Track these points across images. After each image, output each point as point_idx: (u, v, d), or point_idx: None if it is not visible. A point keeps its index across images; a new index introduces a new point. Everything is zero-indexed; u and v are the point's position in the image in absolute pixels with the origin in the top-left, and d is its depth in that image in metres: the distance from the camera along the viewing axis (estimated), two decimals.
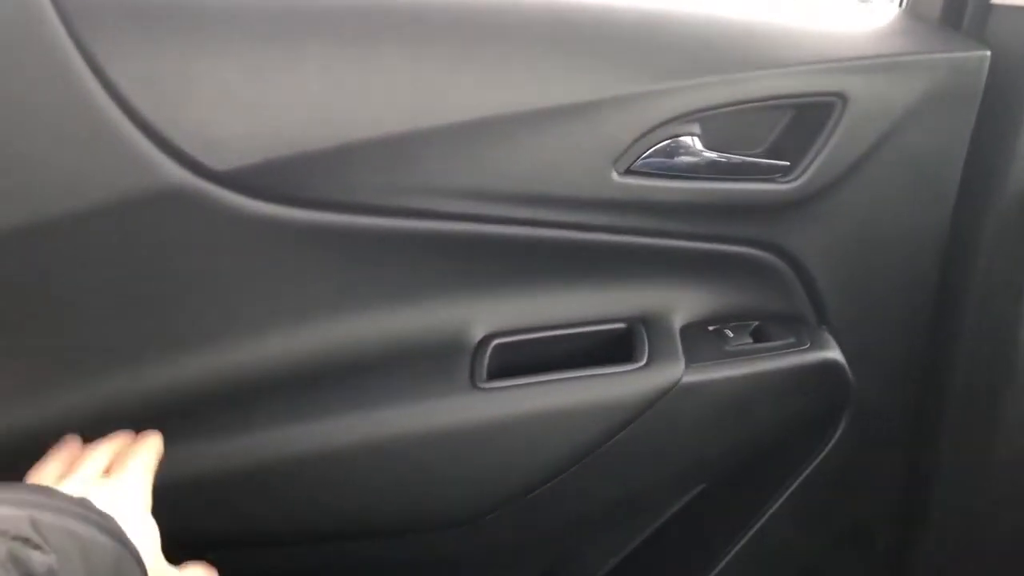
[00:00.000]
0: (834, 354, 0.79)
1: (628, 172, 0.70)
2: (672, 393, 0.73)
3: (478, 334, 0.74)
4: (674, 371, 0.73)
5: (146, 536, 0.52)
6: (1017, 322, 0.82)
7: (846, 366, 0.79)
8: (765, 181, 0.74)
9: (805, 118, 0.74)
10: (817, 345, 0.78)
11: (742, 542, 0.86)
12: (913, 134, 0.76)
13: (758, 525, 0.85)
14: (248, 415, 0.67)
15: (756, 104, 0.71)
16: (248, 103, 0.60)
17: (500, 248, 0.71)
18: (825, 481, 0.85)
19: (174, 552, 0.61)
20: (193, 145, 0.59)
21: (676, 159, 0.71)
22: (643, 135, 0.69)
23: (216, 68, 0.59)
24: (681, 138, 0.71)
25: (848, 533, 0.91)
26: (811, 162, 0.74)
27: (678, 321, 0.79)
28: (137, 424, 0.64)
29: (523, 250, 0.73)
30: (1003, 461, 0.88)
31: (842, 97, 0.73)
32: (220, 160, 0.59)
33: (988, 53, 0.75)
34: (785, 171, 0.74)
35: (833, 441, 0.84)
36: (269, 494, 0.68)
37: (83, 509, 0.44)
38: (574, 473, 0.73)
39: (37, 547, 0.38)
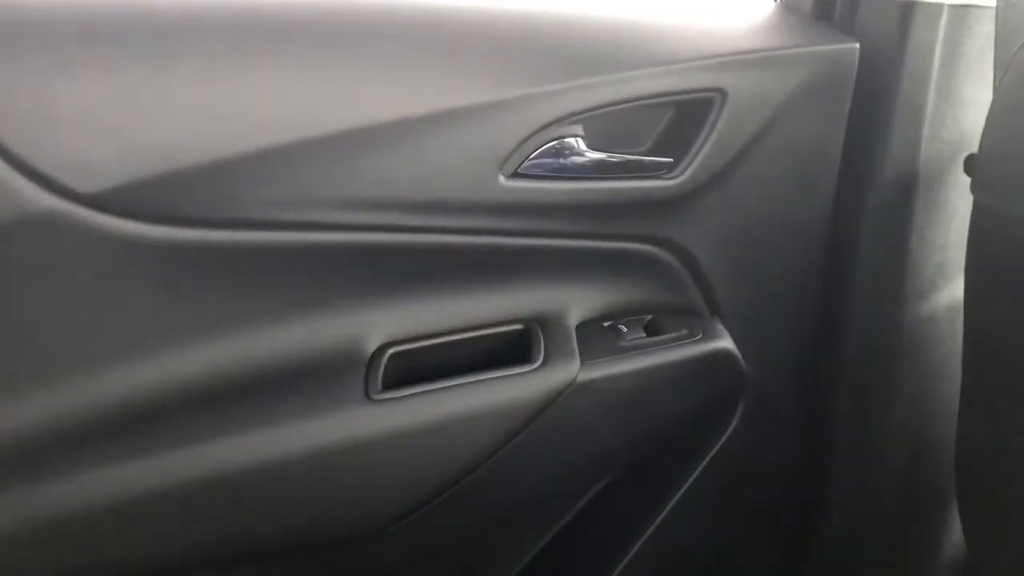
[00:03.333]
0: (726, 343, 0.80)
1: (515, 175, 0.70)
2: (569, 391, 0.73)
3: (372, 344, 0.73)
4: (570, 369, 0.74)
5: None
6: (901, 304, 0.85)
7: (739, 355, 0.81)
8: (650, 178, 0.75)
9: (686, 114, 0.75)
10: (709, 335, 0.80)
11: (648, 533, 0.87)
12: (791, 126, 0.78)
13: (663, 516, 0.87)
14: (134, 442, 0.65)
15: (638, 103, 0.72)
16: (115, 122, 0.58)
17: (390, 256, 0.71)
18: (724, 469, 0.87)
19: None
20: (58, 168, 0.57)
21: (562, 160, 0.72)
22: (527, 138, 0.69)
23: (78, 88, 0.57)
24: (566, 139, 0.71)
25: (751, 518, 0.94)
26: (694, 157, 0.75)
27: (573, 319, 0.79)
28: (14, 457, 0.62)
29: (414, 257, 0.72)
30: (895, 439, 0.92)
31: (721, 92, 0.74)
32: (88, 182, 0.57)
33: (857, 45, 0.77)
34: (669, 167, 0.75)
35: (730, 430, 0.86)
36: (156, 522, 0.66)
37: None
38: (476, 478, 0.73)
39: None
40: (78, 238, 0.59)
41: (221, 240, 0.63)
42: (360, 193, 0.66)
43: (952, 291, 0.88)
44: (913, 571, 1.00)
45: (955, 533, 0.98)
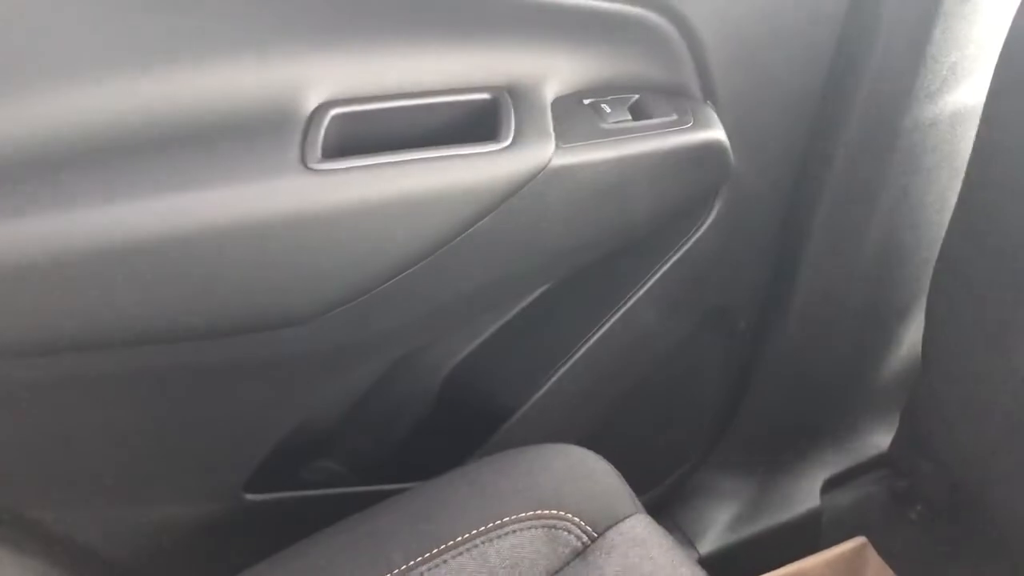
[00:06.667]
0: (718, 133, 0.71)
1: None
2: (540, 177, 0.63)
3: (312, 101, 0.61)
4: (543, 151, 0.63)
5: None
6: (906, 105, 0.77)
7: (729, 148, 0.72)
8: None
9: None
10: (701, 123, 0.70)
11: (603, 329, 0.81)
12: None
13: (621, 311, 0.81)
14: (32, 196, 0.54)
15: None
16: None
17: None
18: (693, 265, 0.80)
19: None
20: None
21: None
22: None
23: None
24: None
25: (709, 316, 0.89)
26: None
27: (550, 92, 0.68)
28: None
29: None
30: (871, 248, 0.87)
31: None
32: None
33: None
34: None
35: (705, 226, 0.78)
36: (62, 291, 0.56)
37: None
38: (427, 265, 0.64)
39: None
40: None
41: None
42: None
43: (960, 94, 0.80)
44: (864, 384, 0.99)
45: (911, 350, 0.96)
